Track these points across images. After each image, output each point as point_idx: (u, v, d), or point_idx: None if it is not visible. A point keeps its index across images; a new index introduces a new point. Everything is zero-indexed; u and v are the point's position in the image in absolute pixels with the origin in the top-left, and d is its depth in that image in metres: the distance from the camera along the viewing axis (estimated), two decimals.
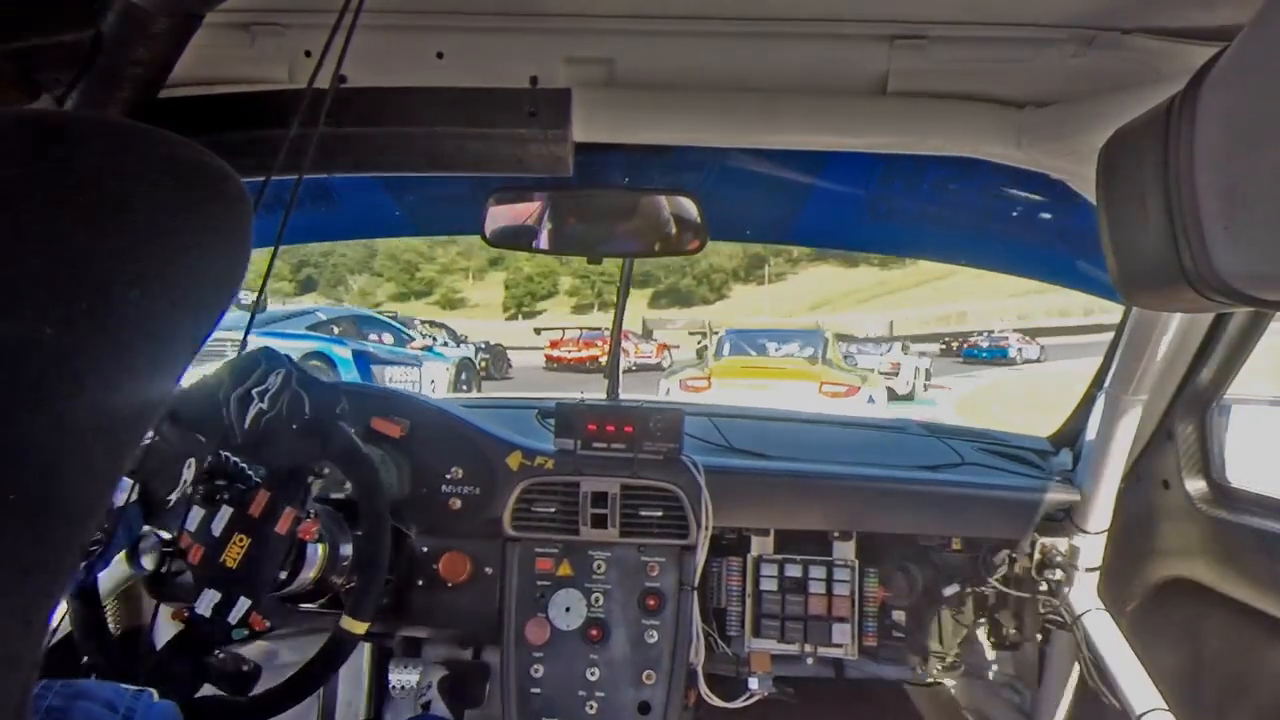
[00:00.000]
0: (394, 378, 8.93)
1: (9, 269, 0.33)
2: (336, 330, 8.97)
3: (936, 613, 1.55)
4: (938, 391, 14.51)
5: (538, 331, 18.84)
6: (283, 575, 1.09)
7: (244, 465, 1.10)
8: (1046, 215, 1.31)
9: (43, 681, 0.50)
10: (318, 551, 1.14)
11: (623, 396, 1.80)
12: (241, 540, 1.05)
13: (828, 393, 7.48)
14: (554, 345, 17.22)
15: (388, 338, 9.65)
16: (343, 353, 8.42)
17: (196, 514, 1.05)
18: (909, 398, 13.59)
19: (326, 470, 1.28)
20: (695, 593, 1.44)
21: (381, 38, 0.93)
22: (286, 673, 1.11)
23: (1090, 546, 1.47)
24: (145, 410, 0.38)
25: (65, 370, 0.34)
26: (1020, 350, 22.06)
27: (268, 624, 1.06)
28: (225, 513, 1.05)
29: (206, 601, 1.02)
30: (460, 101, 1.01)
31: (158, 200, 0.38)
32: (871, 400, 7.77)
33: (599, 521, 1.44)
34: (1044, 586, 1.47)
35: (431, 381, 9.34)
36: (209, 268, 0.41)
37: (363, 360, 8.65)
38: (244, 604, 1.03)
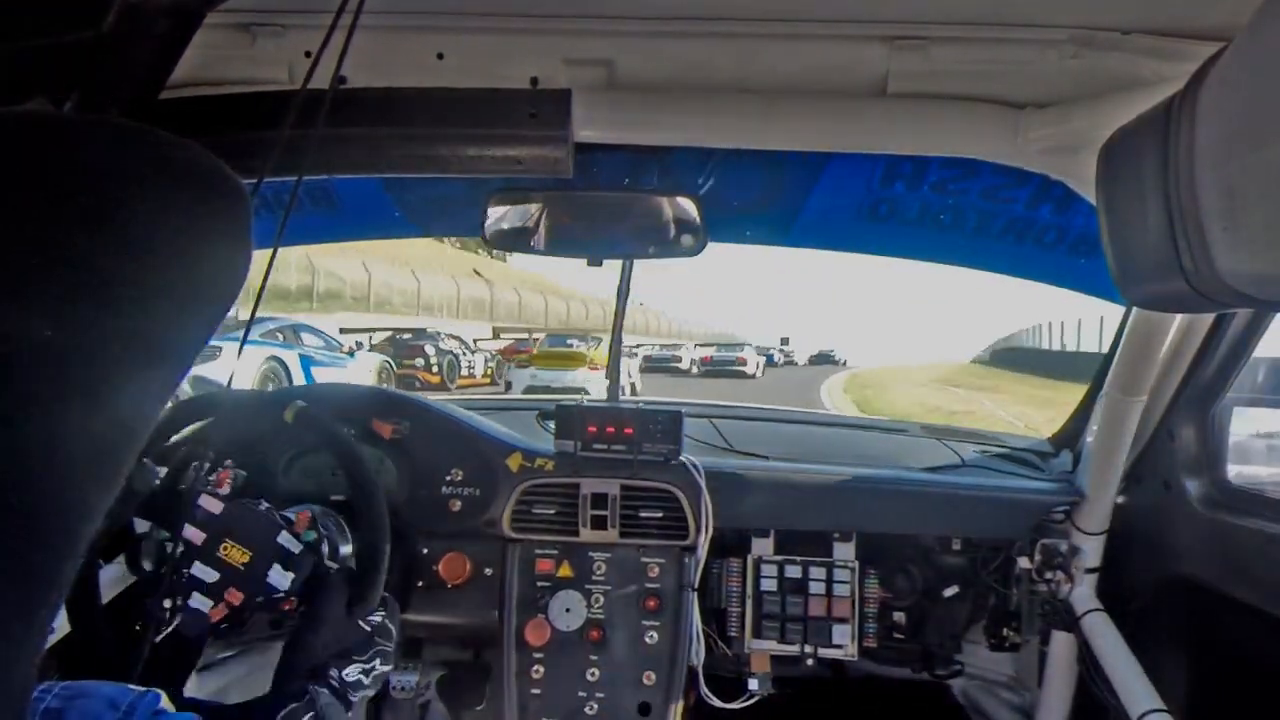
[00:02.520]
0: (325, 378, 9.47)
1: (8, 269, 0.33)
2: (281, 336, 9.72)
3: (937, 614, 1.55)
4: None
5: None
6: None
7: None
8: (1046, 216, 1.31)
9: (43, 683, 0.50)
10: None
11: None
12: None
13: (590, 368, 12.23)
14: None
15: (316, 341, 10.55)
16: (290, 357, 9.30)
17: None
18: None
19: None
20: (695, 594, 1.44)
21: (381, 38, 0.93)
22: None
23: (1090, 547, 1.47)
24: (146, 410, 0.38)
25: (65, 371, 0.34)
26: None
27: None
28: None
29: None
30: (460, 102, 1.00)
31: (157, 202, 0.38)
32: (629, 375, 13.21)
33: (599, 523, 1.44)
34: (1044, 587, 1.46)
35: None
36: (209, 269, 0.41)
37: (305, 363, 9.48)
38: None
